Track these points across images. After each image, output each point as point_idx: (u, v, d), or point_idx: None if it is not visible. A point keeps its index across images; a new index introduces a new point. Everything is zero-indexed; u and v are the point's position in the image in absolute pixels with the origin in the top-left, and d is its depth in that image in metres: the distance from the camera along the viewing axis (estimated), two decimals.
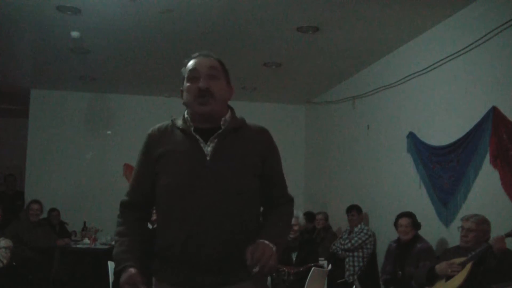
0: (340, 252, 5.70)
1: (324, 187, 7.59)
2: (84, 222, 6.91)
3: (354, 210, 5.86)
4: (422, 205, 4.79)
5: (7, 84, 7.63)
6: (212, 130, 1.84)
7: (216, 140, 1.84)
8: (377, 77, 5.91)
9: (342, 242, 5.73)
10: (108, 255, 4.16)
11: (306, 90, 7.60)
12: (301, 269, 4.24)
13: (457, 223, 4.02)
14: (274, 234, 1.81)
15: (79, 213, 7.07)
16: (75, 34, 5.12)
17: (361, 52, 5.64)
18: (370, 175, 6.04)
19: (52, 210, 6.85)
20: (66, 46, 5.59)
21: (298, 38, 5.16)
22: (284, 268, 4.18)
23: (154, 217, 2.07)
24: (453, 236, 4.16)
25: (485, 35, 4.02)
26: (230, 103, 1.96)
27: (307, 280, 4.07)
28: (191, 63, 1.88)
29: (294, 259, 4.57)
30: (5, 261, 4.86)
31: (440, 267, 3.63)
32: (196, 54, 1.91)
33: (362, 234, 5.66)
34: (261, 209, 1.98)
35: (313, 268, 4.15)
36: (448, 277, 3.55)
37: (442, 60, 4.63)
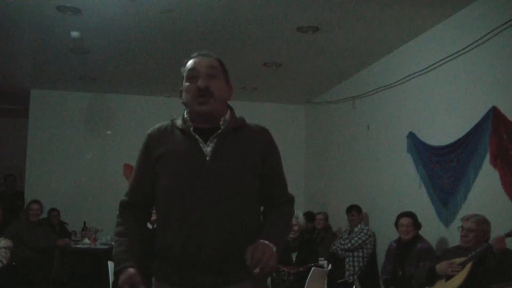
0: (340, 252, 5.70)
1: (324, 187, 7.59)
2: (84, 222, 6.91)
3: (354, 210, 5.86)
4: (422, 205, 4.79)
5: (7, 84, 7.63)
6: (212, 130, 1.84)
7: (215, 140, 1.84)
8: (377, 77, 5.91)
9: (342, 242, 5.73)
10: (108, 255, 4.16)
11: (306, 90, 7.60)
12: (301, 269, 4.25)
13: (457, 223, 4.02)
14: (274, 234, 1.81)
15: (79, 213, 7.07)
16: (75, 34, 5.12)
17: (361, 52, 5.63)
18: (370, 175, 6.04)
19: (52, 210, 6.85)
20: (66, 46, 5.59)
21: (298, 38, 5.16)
22: (284, 268, 4.19)
23: (154, 217, 2.07)
24: (453, 236, 4.16)
25: (485, 35, 4.02)
26: (230, 103, 1.95)
27: (307, 280, 4.07)
28: (190, 62, 1.88)
29: (294, 259, 4.58)
30: (5, 261, 4.85)
31: (440, 267, 3.63)
32: (195, 54, 1.91)
33: (362, 234, 5.66)
34: (262, 208, 1.97)
35: (313, 268, 4.15)
36: (448, 277, 3.55)
37: (442, 60, 4.63)
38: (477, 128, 4.10)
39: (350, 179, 6.59)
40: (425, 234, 4.52)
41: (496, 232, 3.52)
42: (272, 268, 1.71)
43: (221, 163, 1.81)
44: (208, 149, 1.82)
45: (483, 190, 4.06)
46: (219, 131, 1.84)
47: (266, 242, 1.73)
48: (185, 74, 1.88)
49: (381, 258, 5.26)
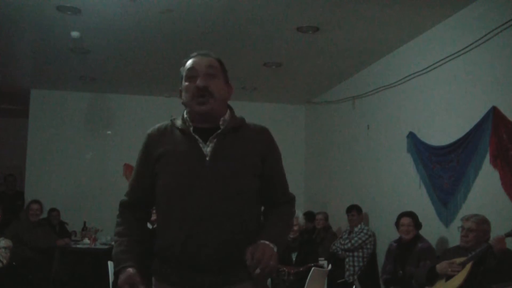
0: (340, 252, 5.70)
1: (324, 187, 7.59)
2: (84, 222, 6.91)
3: (354, 210, 5.86)
4: (422, 205, 4.79)
5: (7, 84, 7.62)
6: (212, 130, 1.84)
7: (215, 140, 1.83)
8: (377, 77, 5.91)
9: (342, 242, 5.73)
10: (108, 255, 4.15)
11: (306, 90, 7.60)
12: (301, 269, 4.24)
13: (457, 223, 4.02)
14: (275, 234, 1.80)
15: (79, 213, 7.07)
16: (75, 34, 5.12)
17: (361, 52, 5.63)
18: (370, 175, 6.04)
19: (52, 210, 6.85)
20: (66, 46, 5.59)
21: (298, 38, 5.16)
22: (284, 268, 4.18)
23: (154, 217, 2.07)
24: (453, 236, 4.16)
25: (485, 35, 4.02)
26: (230, 103, 1.95)
27: (307, 280, 4.07)
28: (189, 62, 1.88)
29: (294, 259, 4.57)
30: (5, 261, 4.85)
31: (441, 266, 3.63)
32: (195, 53, 1.91)
33: (362, 234, 5.66)
34: (262, 208, 1.97)
35: (313, 268, 4.15)
36: (448, 277, 3.55)
37: (442, 60, 4.63)
38: (477, 128, 4.10)
39: (350, 179, 6.59)
40: (425, 234, 4.52)
41: (496, 232, 3.52)
42: (273, 268, 1.71)
43: (220, 163, 1.80)
44: (207, 149, 1.82)
45: (483, 190, 4.06)
46: (219, 131, 1.84)
47: (267, 242, 1.73)
48: (184, 74, 1.88)
49: (381, 258, 5.26)
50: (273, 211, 1.93)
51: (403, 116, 5.38)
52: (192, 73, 1.84)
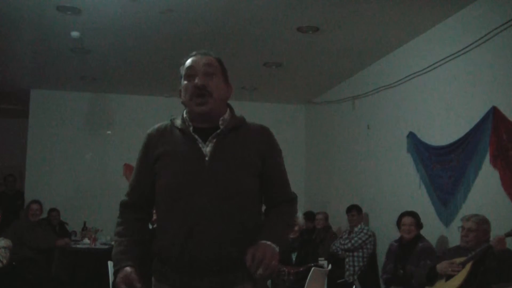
0: (340, 252, 5.70)
1: (324, 187, 7.59)
2: (84, 222, 6.91)
3: (354, 210, 5.86)
4: (422, 205, 4.79)
5: (7, 84, 7.62)
6: (211, 129, 1.84)
7: (215, 140, 1.83)
8: (377, 77, 5.91)
9: (342, 242, 5.73)
10: (108, 255, 4.13)
11: (306, 90, 7.60)
12: (301, 269, 4.25)
13: (457, 223, 4.02)
14: (275, 234, 1.80)
15: (79, 213, 7.07)
16: (75, 34, 5.12)
17: (361, 52, 5.63)
18: (370, 175, 6.03)
19: (52, 210, 6.85)
20: (66, 46, 5.59)
21: (298, 38, 5.16)
22: (284, 268, 4.19)
23: (154, 217, 2.07)
24: (453, 236, 4.16)
25: (485, 35, 4.02)
26: (230, 103, 1.95)
27: (307, 280, 4.07)
28: (188, 61, 1.88)
29: (294, 259, 4.58)
30: (5, 261, 4.85)
31: (441, 266, 3.63)
32: (194, 52, 1.91)
33: (362, 234, 5.66)
34: (264, 208, 1.97)
35: (313, 268, 4.15)
36: (449, 277, 3.55)
37: (442, 60, 4.63)
38: (477, 128, 4.10)
39: (350, 179, 6.59)
40: (425, 234, 4.52)
41: (496, 232, 3.52)
42: (274, 268, 1.70)
43: (220, 163, 1.80)
44: (207, 149, 1.82)
45: (483, 190, 4.06)
46: (218, 131, 1.84)
47: (268, 242, 1.73)
48: (183, 73, 1.88)
49: (381, 258, 5.26)
50: (274, 210, 1.93)
51: (403, 116, 5.38)
52: (191, 72, 1.84)
